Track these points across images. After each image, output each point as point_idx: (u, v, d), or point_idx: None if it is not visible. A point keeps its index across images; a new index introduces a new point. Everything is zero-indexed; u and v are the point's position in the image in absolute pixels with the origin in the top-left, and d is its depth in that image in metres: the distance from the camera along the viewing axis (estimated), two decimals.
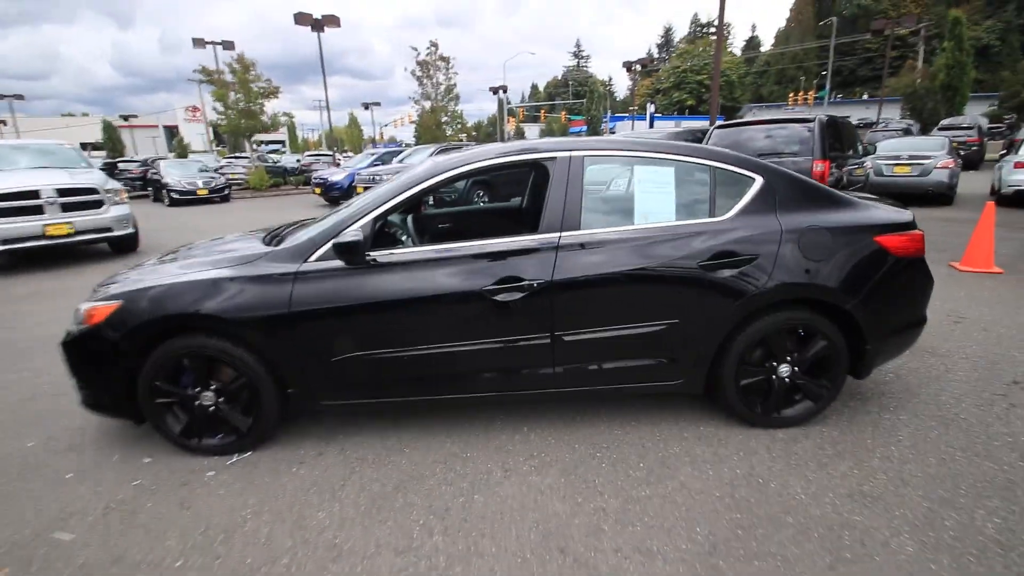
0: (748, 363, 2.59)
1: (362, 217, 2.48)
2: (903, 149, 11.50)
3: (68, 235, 7.63)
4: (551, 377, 2.54)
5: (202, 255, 2.86)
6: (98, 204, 7.99)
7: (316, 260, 2.43)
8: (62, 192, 7.58)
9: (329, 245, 2.41)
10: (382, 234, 2.94)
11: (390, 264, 2.45)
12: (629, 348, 2.51)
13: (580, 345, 2.48)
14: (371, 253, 2.44)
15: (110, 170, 21.12)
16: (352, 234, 2.34)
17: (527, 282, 2.39)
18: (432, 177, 2.55)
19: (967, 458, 2.41)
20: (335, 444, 2.70)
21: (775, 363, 2.60)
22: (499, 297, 2.40)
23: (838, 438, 2.60)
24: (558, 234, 2.45)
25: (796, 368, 2.60)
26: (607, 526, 2.04)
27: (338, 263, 2.41)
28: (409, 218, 3.16)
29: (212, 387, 2.56)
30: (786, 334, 2.57)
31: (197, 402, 2.57)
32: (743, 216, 2.49)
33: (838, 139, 7.92)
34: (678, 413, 2.86)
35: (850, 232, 2.52)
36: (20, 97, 43.88)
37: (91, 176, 8.22)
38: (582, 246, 2.44)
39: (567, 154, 2.54)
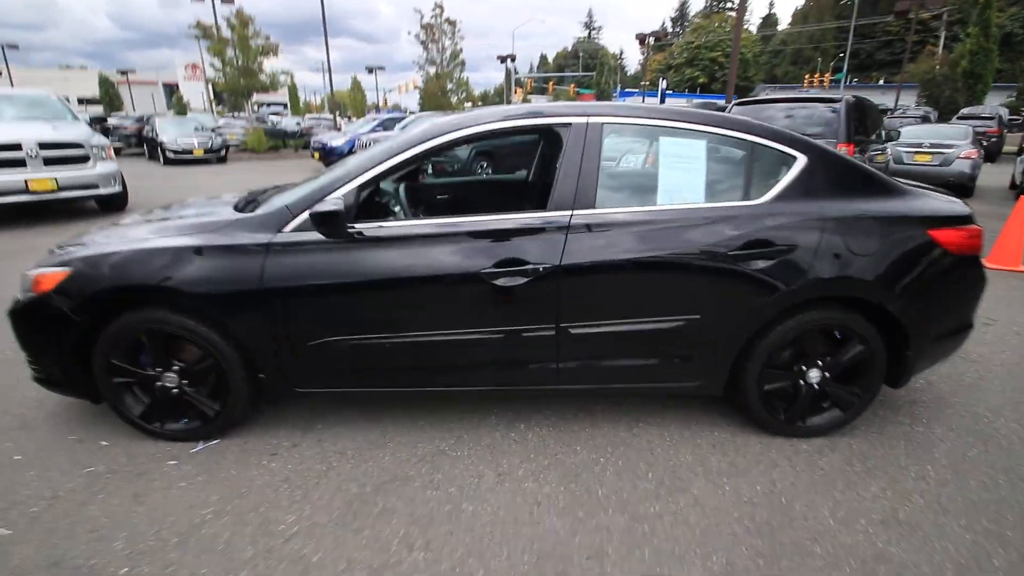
0: (774, 366, 2.32)
1: (346, 183, 2.17)
2: (925, 137, 11.06)
3: (51, 191, 7.30)
4: (554, 373, 2.28)
5: (175, 218, 2.57)
6: (83, 159, 7.64)
7: (292, 231, 2.14)
8: (45, 145, 7.23)
9: (307, 214, 2.11)
10: (372, 203, 2.65)
11: (377, 239, 2.15)
12: (643, 344, 2.24)
13: (588, 339, 2.21)
14: (356, 225, 2.14)
15: (101, 126, 20.53)
16: (332, 203, 2.04)
17: (532, 266, 2.10)
18: (428, 141, 2.23)
19: (1011, 483, 2.16)
20: (312, 434, 2.45)
21: (804, 367, 2.33)
22: (499, 281, 2.11)
23: (867, 452, 2.35)
24: (569, 212, 2.15)
25: (827, 374, 2.33)
26: (611, 549, 1.80)
27: (317, 235, 2.11)
28: (403, 187, 2.86)
29: (175, 367, 2.29)
30: (819, 335, 2.30)
31: (159, 383, 2.31)
32: (782, 200, 2.18)
33: (862, 123, 7.54)
34: (689, 415, 2.61)
35: (901, 224, 2.22)
36: (14, 47, 42.49)
37: (76, 130, 7.83)
38: (596, 227, 2.14)
39: (583, 120, 2.22)
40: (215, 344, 2.19)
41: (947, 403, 2.78)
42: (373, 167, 2.22)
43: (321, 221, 2.05)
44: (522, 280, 2.11)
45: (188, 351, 2.28)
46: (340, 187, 2.16)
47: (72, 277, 2.18)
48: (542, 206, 2.21)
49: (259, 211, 2.25)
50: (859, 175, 2.30)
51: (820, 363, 2.33)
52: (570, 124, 2.22)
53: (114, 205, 8.35)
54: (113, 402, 2.34)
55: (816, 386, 2.35)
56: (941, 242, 2.24)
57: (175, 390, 2.31)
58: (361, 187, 2.19)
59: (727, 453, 2.32)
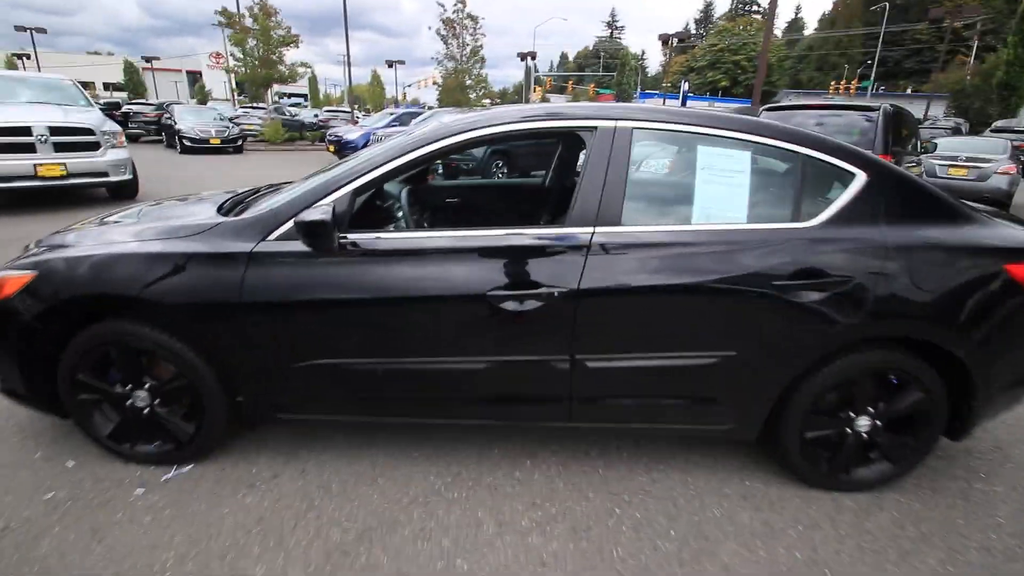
0: (819, 411, 2.04)
1: (339, 188, 1.92)
2: (960, 150, 10.58)
3: (61, 177, 7.19)
4: (566, 410, 2.02)
5: (157, 218, 2.37)
6: (94, 146, 7.52)
7: (277, 239, 1.90)
8: (55, 131, 7.12)
9: (292, 222, 1.87)
10: (372, 207, 2.41)
11: (372, 251, 1.91)
12: (670, 382, 1.97)
13: (607, 374, 1.95)
14: (349, 235, 1.90)
15: (116, 112, 20.55)
16: (320, 211, 1.79)
17: (546, 289, 1.85)
18: (436, 141, 1.98)
19: None
20: (296, 463, 2.22)
21: (852, 413, 2.05)
22: (508, 305, 1.86)
23: (921, 513, 2.06)
24: (591, 229, 1.88)
25: (878, 422, 2.04)
26: None
27: (304, 245, 1.87)
28: (407, 190, 2.61)
29: (147, 385, 2.07)
30: (873, 379, 2.01)
31: (129, 401, 2.09)
32: (837, 223, 1.90)
33: (898, 133, 7.16)
34: (716, 458, 2.33)
35: (973, 255, 1.92)
36: (42, 31, 42.97)
37: (88, 116, 7.72)
38: (621, 248, 1.87)
39: (611, 124, 1.95)
40: (189, 362, 1.97)
41: (1007, 454, 2.47)
42: (373, 169, 1.97)
43: (307, 231, 1.80)
44: (534, 305, 1.85)
45: (161, 368, 2.06)
46: (332, 192, 1.91)
47: (36, 281, 1.96)
48: (559, 217, 1.96)
49: (244, 215, 2.02)
50: (926, 197, 2.00)
51: (871, 410, 2.04)
52: (595, 128, 1.95)
53: (124, 193, 8.23)
54: (80, 420, 2.13)
55: (865, 435, 2.06)
56: (1018, 278, 1.93)
57: (146, 410, 2.09)
58: (357, 191, 1.95)
59: (760, 508, 2.04)
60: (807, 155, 1.93)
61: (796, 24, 72.71)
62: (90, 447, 2.23)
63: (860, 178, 1.93)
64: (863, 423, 2.05)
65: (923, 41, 49.89)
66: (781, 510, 2.04)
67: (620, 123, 1.94)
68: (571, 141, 3.14)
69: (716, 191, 1.93)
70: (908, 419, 2.06)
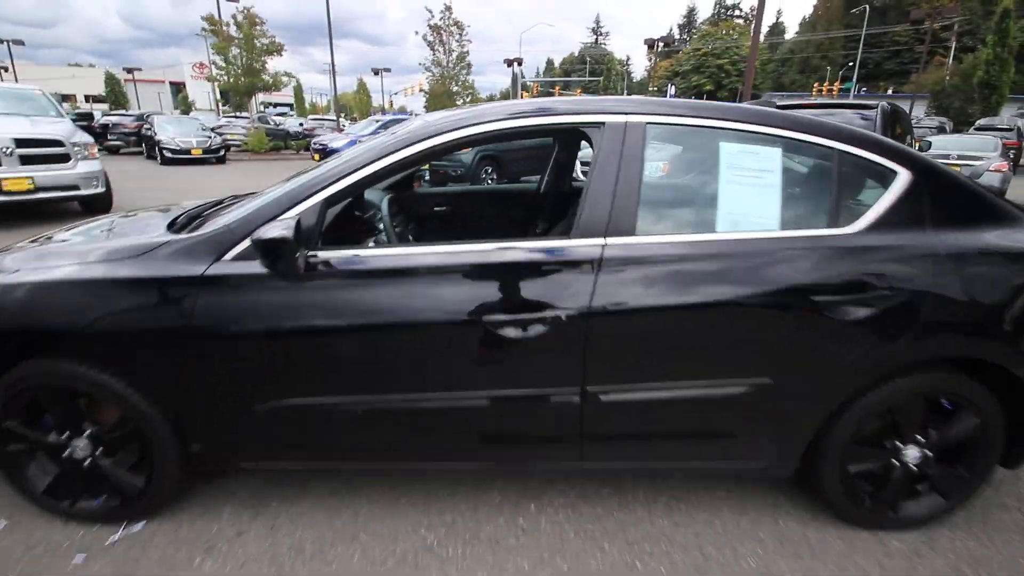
0: (863, 441, 1.80)
1: (306, 198, 1.64)
2: (952, 148, 10.55)
3: (28, 191, 6.85)
4: (576, 449, 1.75)
5: (99, 237, 2.08)
6: (63, 158, 7.18)
7: (234, 260, 1.62)
8: (22, 143, 6.78)
9: (249, 240, 1.59)
10: (349, 220, 2.14)
11: (347, 272, 1.64)
12: (695, 415, 1.72)
13: (623, 408, 1.69)
14: (319, 253, 1.63)
15: (99, 124, 20.09)
16: (280, 226, 1.50)
17: (551, 311, 1.58)
18: (416, 143, 1.71)
19: None
20: (265, 516, 1.92)
21: (900, 443, 1.80)
22: (507, 331, 1.59)
23: (977, 553, 1.82)
24: (602, 241, 1.63)
25: (929, 452, 1.80)
26: None
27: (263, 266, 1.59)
28: (387, 200, 2.34)
29: (87, 432, 1.78)
30: (923, 404, 1.77)
31: (67, 452, 1.79)
32: (880, 228, 1.66)
33: (894, 133, 7.03)
34: (743, 494, 2.07)
35: None
36: (20, 43, 42.12)
37: (57, 127, 7.39)
38: (637, 262, 1.62)
39: (621, 119, 1.70)
40: (135, 406, 1.68)
41: None
42: (345, 176, 1.69)
43: (265, 250, 1.51)
44: (538, 330, 1.59)
45: (104, 412, 1.77)
46: (299, 202, 1.63)
47: None
48: (560, 226, 1.70)
49: (196, 232, 1.73)
50: (973, 197, 1.77)
51: (920, 439, 1.80)
52: (603, 124, 1.70)
53: (97, 207, 7.87)
54: (11, 474, 1.84)
55: (913, 467, 1.82)
56: None
57: (87, 461, 1.79)
58: (328, 201, 1.67)
59: (800, 555, 1.78)
60: (843, 151, 1.70)
61: (777, 28, 73.53)
62: (29, 504, 1.92)
63: (903, 176, 1.69)
64: (912, 454, 1.80)
65: (902, 43, 50.67)
66: (823, 556, 1.78)
67: (632, 118, 1.69)
68: (570, 141, 2.90)
69: (743, 194, 1.69)
70: (962, 447, 1.83)
